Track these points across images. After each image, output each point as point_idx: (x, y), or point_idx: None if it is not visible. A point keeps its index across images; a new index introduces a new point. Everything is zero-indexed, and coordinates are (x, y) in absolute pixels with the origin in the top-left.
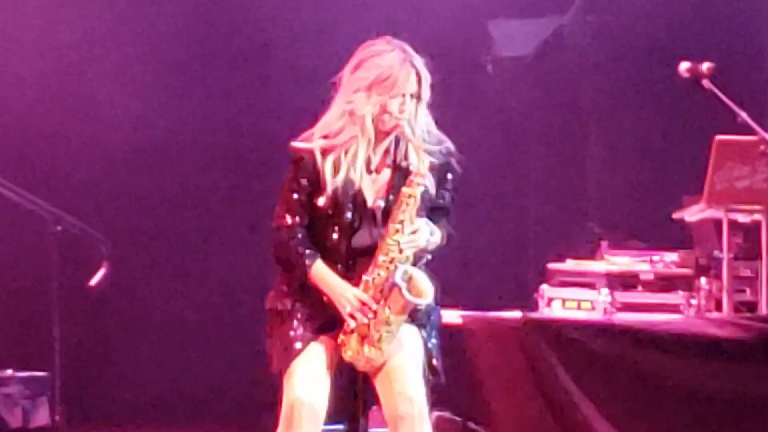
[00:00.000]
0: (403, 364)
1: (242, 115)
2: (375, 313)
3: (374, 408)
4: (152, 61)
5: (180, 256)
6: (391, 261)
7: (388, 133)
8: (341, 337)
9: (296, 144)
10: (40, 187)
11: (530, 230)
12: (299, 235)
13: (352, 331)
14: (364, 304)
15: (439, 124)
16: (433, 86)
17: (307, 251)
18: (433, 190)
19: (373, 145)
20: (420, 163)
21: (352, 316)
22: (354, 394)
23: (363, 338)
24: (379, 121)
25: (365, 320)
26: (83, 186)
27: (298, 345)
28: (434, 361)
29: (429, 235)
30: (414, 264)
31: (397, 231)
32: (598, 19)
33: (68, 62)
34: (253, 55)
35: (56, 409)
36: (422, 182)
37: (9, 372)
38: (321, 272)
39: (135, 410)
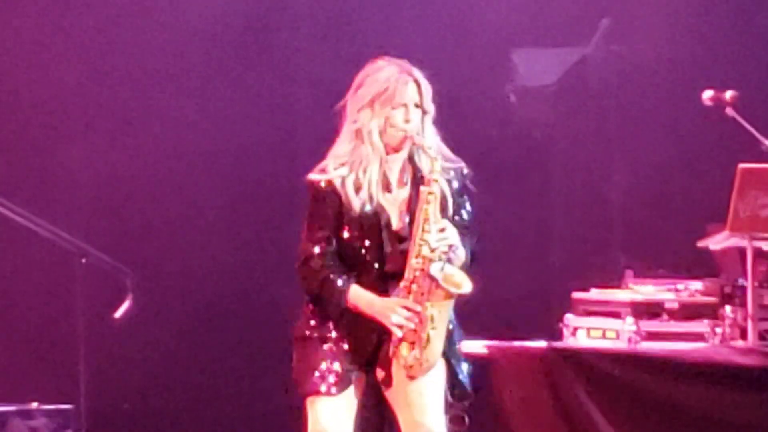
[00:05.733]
0: (423, 393)
1: (272, 143)
2: (419, 315)
3: None
4: (180, 89)
5: (205, 287)
6: (425, 260)
7: (398, 149)
8: (392, 348)
9: (314, 177)
10: (65, 219)
11: (555, 259)
12: (329, 264)
13: (401, 341)
14: (408, 309)
15: (462, 152)
16: (454, 115)
17: (341, 277)
18: (450, 202)
19: (386, 162)
20: (434, 163)
21: (399, 326)
22: (376, 424)
23: (412, 344)
24: (388, 136)
25: (411, 325)
26: (108, 218)
27: (331, 378)
28: (467, 389)
29: (457, 236)
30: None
31: (424, 231)
32: (621, 47)
33: (91, 88)
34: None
35: None
36: (438, 178)
37: (34, 405)
38: (357, 294)
39: None
